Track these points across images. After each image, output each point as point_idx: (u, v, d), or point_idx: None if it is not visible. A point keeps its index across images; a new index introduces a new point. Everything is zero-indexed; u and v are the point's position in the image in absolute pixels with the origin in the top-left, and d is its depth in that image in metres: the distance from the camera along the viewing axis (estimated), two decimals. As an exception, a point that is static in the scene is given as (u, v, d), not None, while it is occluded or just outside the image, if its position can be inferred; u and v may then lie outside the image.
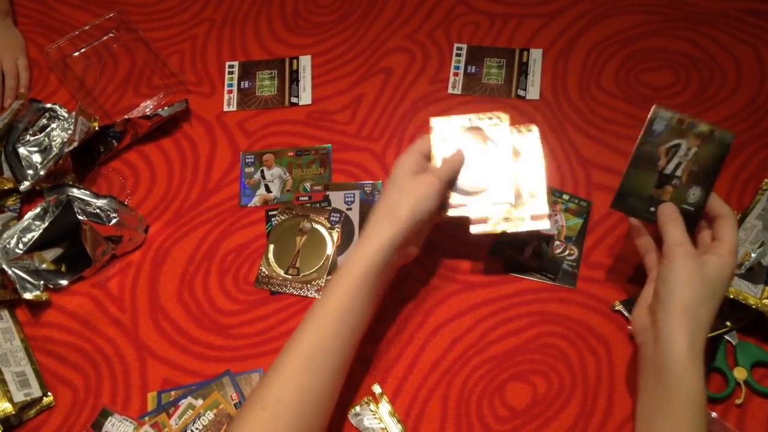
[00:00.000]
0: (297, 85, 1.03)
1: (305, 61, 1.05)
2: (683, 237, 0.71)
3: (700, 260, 0.70)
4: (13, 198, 0.94)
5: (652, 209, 0.75)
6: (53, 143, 0.96)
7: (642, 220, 0.76)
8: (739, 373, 0.77)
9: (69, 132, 0.95)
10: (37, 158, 0.95)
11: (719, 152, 0.74)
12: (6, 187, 0.93)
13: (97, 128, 0.95)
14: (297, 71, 1.04)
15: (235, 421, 0.69)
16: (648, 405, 0.69)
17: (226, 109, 1.02)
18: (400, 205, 0.76)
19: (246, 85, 1.04)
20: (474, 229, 0.80)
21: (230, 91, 1.04)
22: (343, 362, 0.73)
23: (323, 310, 0.73)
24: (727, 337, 0.79)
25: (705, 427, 0.66)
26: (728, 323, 0.79)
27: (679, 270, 0.69)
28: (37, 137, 0.97)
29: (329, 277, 0.85)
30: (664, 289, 0.69)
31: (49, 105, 0.99)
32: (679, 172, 0.75)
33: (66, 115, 0.98)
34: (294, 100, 1.02)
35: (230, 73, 1.05)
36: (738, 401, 0.76)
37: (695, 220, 0.74)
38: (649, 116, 0.76)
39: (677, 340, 0.67)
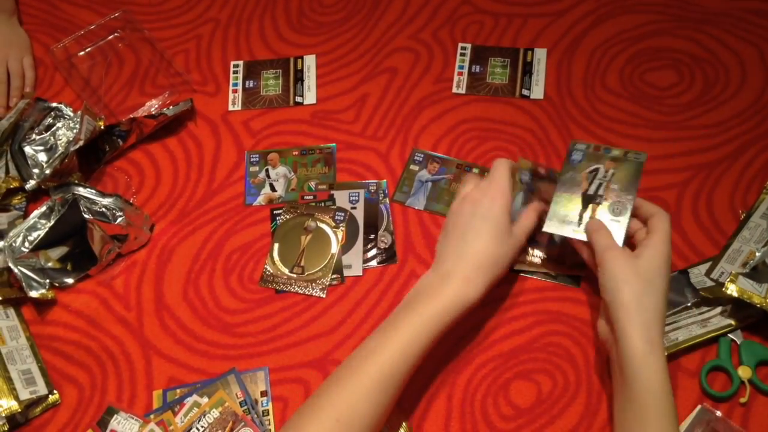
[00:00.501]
0: (302, 84, 1.03)
1: (310, 61, 1.05)
2: (610, 242, 0.75)
3: (630, 256, 0.73)
4: (19, 197, 0.94)
5: (581, 226, 0.80)
6: (59, 142, 0.97)
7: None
8: (744, 372, 0.77)
9: (74, 131, 0.95)
10: (42, 157, 0.96)
11: (634, 170, 0.81)
12: (12, 186, 0.93)
13: (102, 127, 0.95)
14: (302, 71, 1.04)
15: (304, 427, 0.68)
16: (618, 404, 0.71)
17: (231, 108, 1.02)
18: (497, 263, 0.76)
19: (251, 85, 1.04)
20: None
21: (235, 91, 1.04)
22: (402, 391, 0.73)
23: (398, 341, 0.72)
24: (731, 335, 0.79)
25: (671, 415, 0.67)
26: (733, 322, 0.79)
27: (612, 271, 0.72)
28: (42, 136, 0.97)
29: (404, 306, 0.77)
30: (606, 294, 0.73)
31: (54, 104, 1.00)
32: (601, 191, 0.81)
33: (71, 114, 0.99)
34: (299, 99, 1.02)
35: (235, 72, 1.05)
36: (742, 400, 0.76)
37: (621, 236, 0.78)
38: (567, 149, 0.84)
39: (630, 336, 0.69)
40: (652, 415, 0.67)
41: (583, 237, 0.79)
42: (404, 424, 0.77)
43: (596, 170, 0.82)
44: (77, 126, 0.94)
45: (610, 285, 0.72)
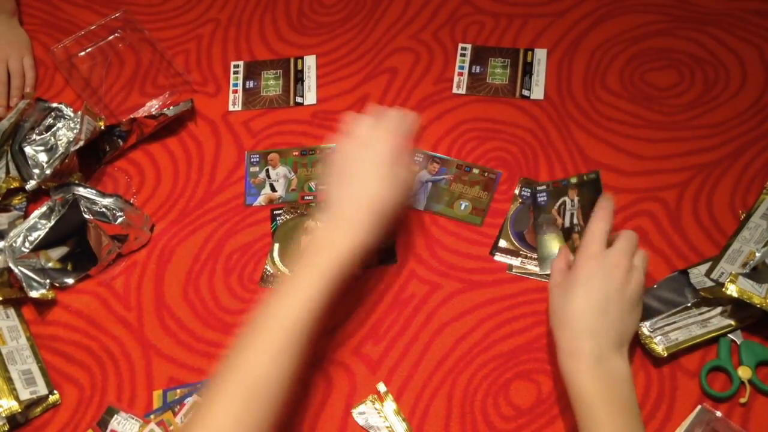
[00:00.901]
0: (302, 84, 1.03)
1: (310, 61, 1.05)
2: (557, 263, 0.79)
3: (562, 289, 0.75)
4: (20, 197, 0.94)
5: (572, 258, 0.80)
6: (59, 142, 0.97)
7: None
8: (744, 372, 0.77)
9: (75, 131, 0.95)
10: (43, 157, 0.96)
11: (595, 189, 0.87)
12: (12, 186, 0.93)
13: (102, 127, 0.95)
14: (302, 71, 1.04)
15: (213, 395, 0.67)
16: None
17: (231, 108, 1.02)
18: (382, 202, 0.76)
19: (251, 85, 1.04)
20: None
21: (235, 91, 1.04)
22: (311, 349, 0.72)
23: (299, 296, 0.71)
24: (731, 336, 0.79)
25: (592, 419, 0.68)
26: (733, 322, 0.79)
27: (553, 289, 0.77)
28: (43, 136, 0.97)
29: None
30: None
31: (55, 104, 1.00)
32: (575, 221, 0.86)
33: (72, 114, 0.99)
34: (299, 99, 1.02)
35: (235, 72, 1.06)
36: (742, 400, 0.76)
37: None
38: (531, 195, 0.90)
39: (557, 343, 0.73)
40: (578, 415, 0.69)
41: None
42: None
43: (564, 203, 0.88)
44: (77, 126, 0.94)
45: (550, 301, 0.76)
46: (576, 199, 0.88)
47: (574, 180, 0.89)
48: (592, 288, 0.72)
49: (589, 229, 0.76)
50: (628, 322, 0.73)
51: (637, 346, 0.80)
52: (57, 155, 0.95)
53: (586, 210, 0.85)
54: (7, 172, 0.94)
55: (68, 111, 0.99)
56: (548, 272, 0.83)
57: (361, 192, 0.76)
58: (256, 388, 0.67)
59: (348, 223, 0.75)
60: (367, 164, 0.77)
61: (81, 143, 0.92)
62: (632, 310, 0.74)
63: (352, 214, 0.75)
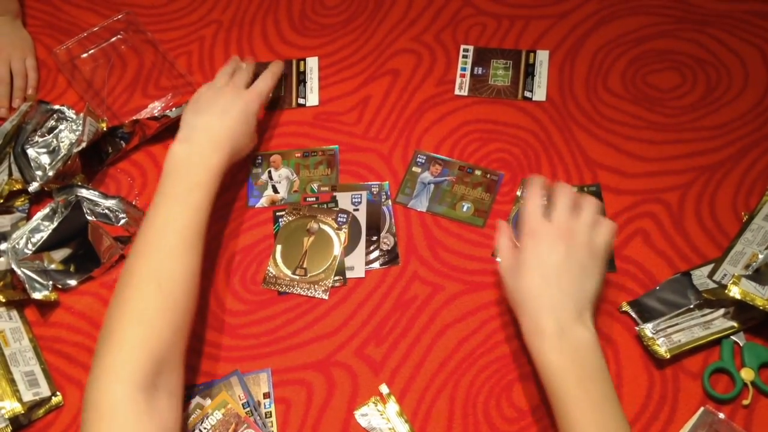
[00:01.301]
0: (304, 86, 1.03)
1: (312, 63, 1.05)
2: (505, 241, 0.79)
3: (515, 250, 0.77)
4: (22, 199, 0.94)
5: None
6: (61, 144, 0.97)
7: None
8: (747, 374, 0.77)
9: (77, 133, 0.95)
10: (45, 159, 0.96)
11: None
12: (15, 188, 0.93)
13: (105, 129, 0.95)
14: (304, 72, 1.05)
15: (126, 295, 0.74)
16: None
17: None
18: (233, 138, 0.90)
19: (253, 87, 1.04)
20: None
21: (238, 93, 1.04)
22: (204, 244, 0.81)
23: (190, 201, 0.81)
24: (734, 337, 0.79)
25: (566, 396, 0.68)
26: (735, 324, 0.79)
27: (504, 273, 0.77)
28: (45, 138, 0.97)
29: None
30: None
31: (57, 106, 1.00)
32: None
33: (74, 116, 0.99)
34: (301, 101, 1.02)
35: (238, 74, 1.06)
36: (745, 402, 0.76)
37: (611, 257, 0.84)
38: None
39: (521, 327, 0.73)
40: (549, 393, 0.69)
41: None
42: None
43: None
44: (80, 128, 0.94)
45: (504, 284, 0.77)
46: None
47: (574, 189, 0.88)
48: (539, 264, 0.73)
49: (524, 209, 0.77)
50: (587, 287, 0.73)
51: (641, 347, 0.80)
52: (59, 157, 0.95)
53: None
54: (10, 174, 0.94)
55: (70, 113, 0.99)
56: None
57: (222, 123, 0.89)
58: (168, 284, 0.75)
59: (213, 144, 0.87)
60: (236, 107, 0.91)
61: (83, 145, 0.92)
62: (588, 274, 0.73)
63: (214, 138, 0.87)
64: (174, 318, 0.74)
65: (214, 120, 0.89)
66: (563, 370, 0.69)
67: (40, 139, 0.97)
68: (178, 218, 0.79)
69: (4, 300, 0.85)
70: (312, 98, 1.02)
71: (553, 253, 0.73)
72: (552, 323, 0.70)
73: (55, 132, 0.98)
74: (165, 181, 0.83)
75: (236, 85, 0.94)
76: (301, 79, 1.04)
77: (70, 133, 0.97)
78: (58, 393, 0.83)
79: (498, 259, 0.79)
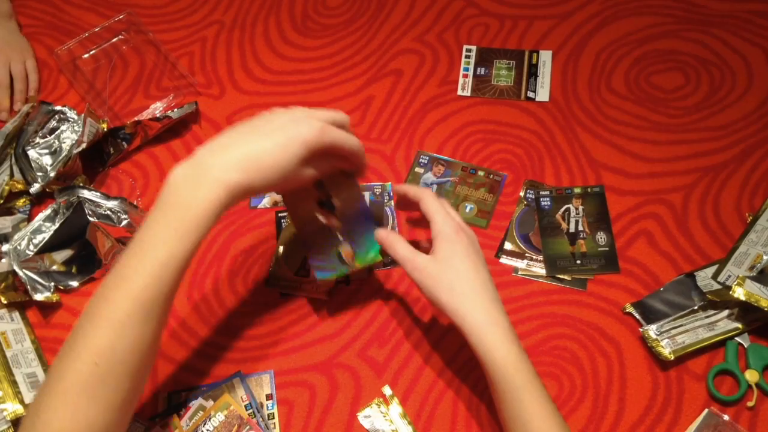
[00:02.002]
0: (306, 86, 1.03)
1: (314, 63, 1.05)
2: (404, 251, 0.74)
3: (425, 258, 0.72)
4: (23, 200, 0.94)
5: (579, 262, 0.86)
6: (63, 145, 0.96)
7: (574, 276, 0.85)
8: (751, 376, 0.77)
9: (78, 134, 0.95)
10: (47, 160, 0.96)
11: (600, 201, 0.89)
12: (16, 189, 0.93)
13: (105, 129, 0.95)
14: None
15: (60, 369, 0.62)
16: (490, 389, 0.71)
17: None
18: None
19: (255, 87, 1.04)
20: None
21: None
22: (167, 313, 0.66)
23: (153, 259, 0.63)
24: (738, 339, 0.79)
25: (523, 386, 0.67)
26: (740, 325, 0.79)
27: (419, 279, 0.72)
28: (46, 139, 0.97)
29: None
30: (432, 303, 0.72)
31: (58, 107, 0.99)
32: (581, 227, 0.88)
33: (75, 117, 0.99)
34: (303, 101, 1.02)
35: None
36: (750, 404, 0.76)
37: (614, 258, 0.86)
38: (534, 198, 0.90)
39: (465, 328, 0.69)
40: (504, 388, 0.67)
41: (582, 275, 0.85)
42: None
43: (567, 210, 0.89)
44: (81, 129, 0.94)
45: (428, 295, 0.72)
46: (581, 207, 0.89)
47: (578, 190, 0.90)
48: (463, 261, 0.71)
49: (434, 216, 0.74)
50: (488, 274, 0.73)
51: (645, 348, 0.80)
52: (60, 158, 0.95)
53: (591, 219, 0.87)
54: (12, 175, 0.94)
55: (72, 114, 0.99)
56: (554, 272, 0.85)
57: (231, 144, 0.66)
58: (109, 363, 0.61)
59: (209, 174, 0.64)
60: (286, 129, 0.67)
61: (83, 145, 0.92)
62: (484, 261, 0.74)
63: (214, 163, 0.65)
64: (111, 401, 0.62)
65: (253, 138, 0.67)
66: (521, 362, 0.68)
67: (42, 141, 0.97)
68: (140, 277, 0.62)
69: (5, 302, 0.85)
70: (314, 99, 1.02)
71: (466, 249, 0.72)
72: (503, 316, 0.70)
73: (56, 133, 0.98)
74: (148, 217, 0.65)
75: (311, 113, 0.70)
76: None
77: (71, 133, 0.97)
78: (60, 395, 0.82)
79: (417, 266, 0.73)
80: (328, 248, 0.79)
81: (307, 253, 0.79)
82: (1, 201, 0.92)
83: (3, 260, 0.87)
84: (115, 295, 0.63)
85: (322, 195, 0.77)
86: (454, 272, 0.71)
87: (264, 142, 0.66)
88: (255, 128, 0.68)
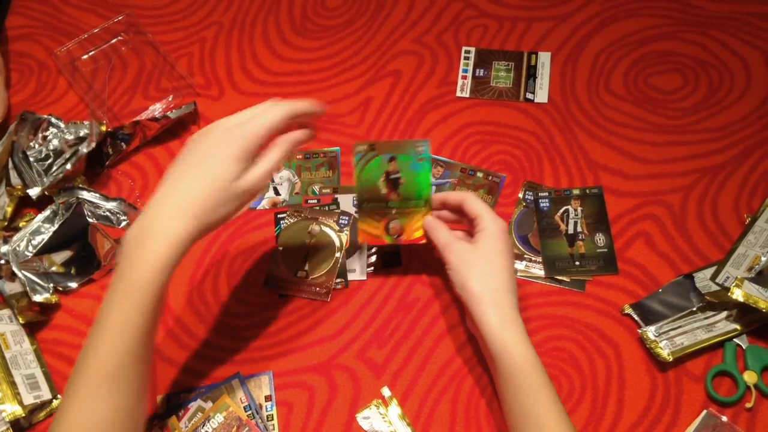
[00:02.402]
0: (305, 88, 1.03)
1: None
2: (449, 238, 0.78)
3: (468, 247, 0.76)
4: (27, 219, 0.92)
5: (578, 263, 0.86)
6: (53, 151, 0.95)
7: (572, 277, 0.86)
8: (749, 377, 0.77)
9: (66, 139, 0.94)
10: (43, 167, 0.94)
11: (598, 203, 0.89)
12: (17, 194, 0.92)
13: (105, 131, 0.95)
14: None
15: None
16: (497, 386, 0.74)
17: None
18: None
19: (254, 88, 1.04)
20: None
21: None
22: (146, 374, 0.66)
23: (112, 325, 0.63)
24: (737, 340, 0.79)
25: (538, 383, 0.69)
26: (738, 327, 0.79)
27: (455, 264, 0.75)
28: (39, 147, 0.96)
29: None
30: (457, 288, 0.75)
31: (44, 116, 0.97)
32: (579, 229, 0.88)
33: (62, 125, 0.97)
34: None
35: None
36: (748, 405, 0.76)
37: (613, 259, 0.86)
38: (534, 200, 0.90)
39: (485, 320, 0.72)
40: (519, 385, 0.69)
41: (581, 275, 0.86)
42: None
43: (567, 211, 0.89)
44: (70, 135, 0.94)
45: (458, 279, 0.75)
46: (580, 209, 0.89)
47: (576, 191, 0.90)
48: (500, 259, 0.75)
49: (483, 214, 0.77)
50: None
51: (644, 350, 0.80)
52: (57, 162, 0.94)
53: (590, 221, 0.87)
54: (8, 183, 0.93)
55: (58, 121, 0.97)
56: (552, 273, 0.85)
57: (169, 190, 0.67)
58: (127, 348, 0.62)
59: (153, 231, 0.64)
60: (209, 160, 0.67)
61: (93, 145, 0.92)
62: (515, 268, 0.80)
63: (156, 217, 0.65)
64: None
65: (186, 177, 0.67)
66: (538, 361, 0.70)
67: (36, 146, 0.96)
68: (99, 348, 0.62)
69: (23, 321, 0.84)
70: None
71: (508, 250, 0.76)
72: (521, 320, 0.72)
73: (48, 139, 0.96)
74: (109, 285, 0.65)
75: (236, 124, 0.69)
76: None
77: (58, 141, 0.96)
78: (59, 396, 0.82)
79: (451, 254, 0.77)
80: (379, 217, 0.83)
81: (358, 214, 0.84)
82: (6, 222, 0.92)
83: (16, 282, 0.87)
84: (80, 369, 0.63)
85: (392, 169, 0.82)
86: (489, 265, 0.74)
87: (196, 178, 0.66)
88: (185, 163, 0.68)
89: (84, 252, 0.89)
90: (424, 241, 0.82)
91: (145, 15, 1.13)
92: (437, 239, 0.79)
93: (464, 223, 0.81)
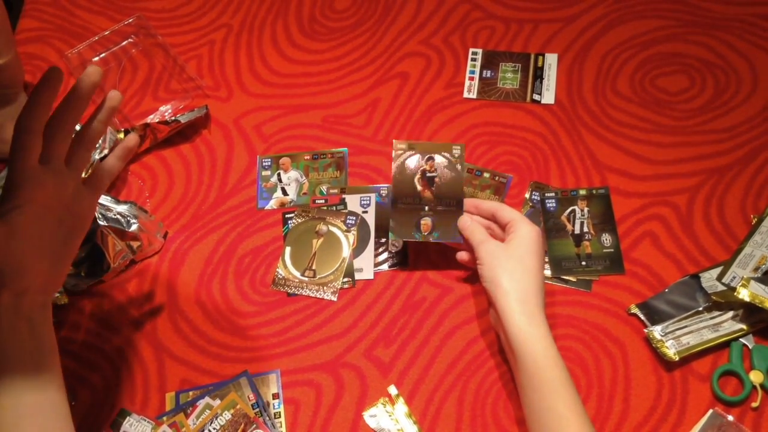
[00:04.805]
0: (313, 89, 1.04)
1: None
2: (483, 236, 0.80)
3: (500, 245, 0.78)
4: None
5: (584, 263, 0.86)
6: None
7: (579, 277, 0.86)
8: (755, 377, 0.77)
9: None
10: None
11: (605, 203, 0.90)
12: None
13: (121, 139, 0.95)
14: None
15: None
16: (517, 381, 0.75)
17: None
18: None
19: (263, 90, 1.05)
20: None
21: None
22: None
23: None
24: (743, 340, 0.79)
25: (559, 378, 0.70)
26: (744, 326, 0.79)
27: (488, 260, 0.77)
28: None
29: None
30: (486, 282, 0.77)
31: None
32: (586, 229, 0.88)
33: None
34: (310, 104, 1.03)
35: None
36: (754, 405, 0.76)
37: (619, 259, 0.86)
38: (540, 200, 0.91)
39: (510, 313, 0.73)
40: (540, 381, 0.70)
41: (587, 275, 0.86)
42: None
43: (573, 211, 0.90)
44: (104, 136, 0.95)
45: (489, 274, 0.76)
46: (586, 209, 0.89)
47: (583, 192, 0.90)
48: (533, 260, 0.76)
49: (518, 221, 0.79)
50: None
51: (650, 349, 0.80)
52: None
53: (596, 221, 0.88)
54: None
55: None
56: (558, 272, 0.86)
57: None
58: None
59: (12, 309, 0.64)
60: None
61: (105, 151, 0.93)
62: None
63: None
64: None
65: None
66: (561, 358, 0.71)
67: None
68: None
69: None
70: (321, 101, 1.03)
71: (541, 253, 0.78)
72: (546, 319, 0.74)
73: None
74: None
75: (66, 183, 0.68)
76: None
77: None
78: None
79: (482, 244, 0.79)
80: (411, 214, 0.84)
81: (392, 209, 0.86)
82: None
83: None
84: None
85: (428, 168, 0.85)
86: (521, 263, 0.76)
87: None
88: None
89: (94, 254, 0.90)
90: (460, 240, 0.83)
91: (155, 18, 1.14)
92: (472, 235, 0.81)
93: (494, 230, 0.83)
